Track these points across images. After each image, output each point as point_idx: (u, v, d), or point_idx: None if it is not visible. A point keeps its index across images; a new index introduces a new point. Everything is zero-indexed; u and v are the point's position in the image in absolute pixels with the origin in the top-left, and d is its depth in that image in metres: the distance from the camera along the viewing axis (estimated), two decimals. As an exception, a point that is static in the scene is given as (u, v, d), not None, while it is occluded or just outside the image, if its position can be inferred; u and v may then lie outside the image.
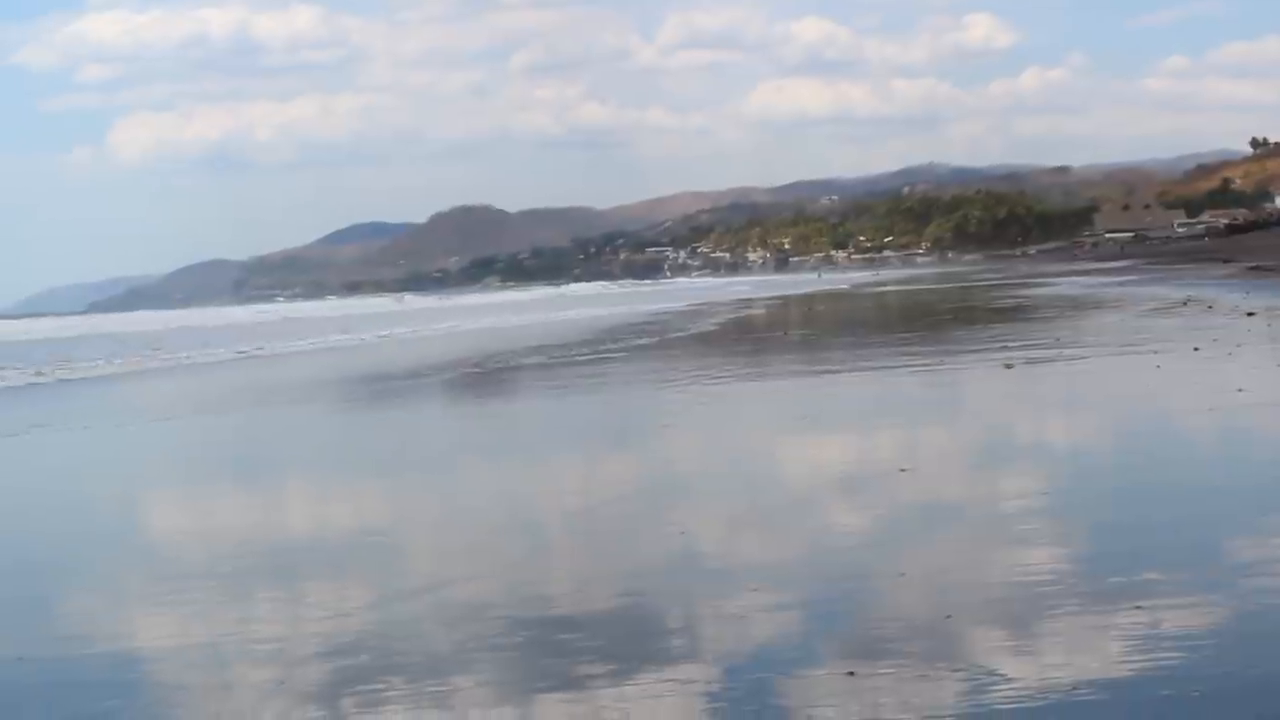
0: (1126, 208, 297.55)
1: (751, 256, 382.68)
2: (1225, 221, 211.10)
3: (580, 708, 7.71)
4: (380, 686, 8.26)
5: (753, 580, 10.36)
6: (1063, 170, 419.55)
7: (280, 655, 9.16)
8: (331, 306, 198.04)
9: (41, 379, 43.48)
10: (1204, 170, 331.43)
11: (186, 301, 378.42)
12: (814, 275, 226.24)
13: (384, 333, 70.42)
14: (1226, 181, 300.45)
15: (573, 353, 43.07)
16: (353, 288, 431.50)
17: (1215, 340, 27.61)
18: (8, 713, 8.49)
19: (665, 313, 78.11)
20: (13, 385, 41.40)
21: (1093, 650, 8.12)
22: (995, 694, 7.39)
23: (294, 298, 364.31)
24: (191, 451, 24.15)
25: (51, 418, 31.17)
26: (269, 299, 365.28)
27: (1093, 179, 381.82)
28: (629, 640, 9.08)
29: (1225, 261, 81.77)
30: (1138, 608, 8.86)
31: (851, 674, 7.85)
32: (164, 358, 53.63)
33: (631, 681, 8.09)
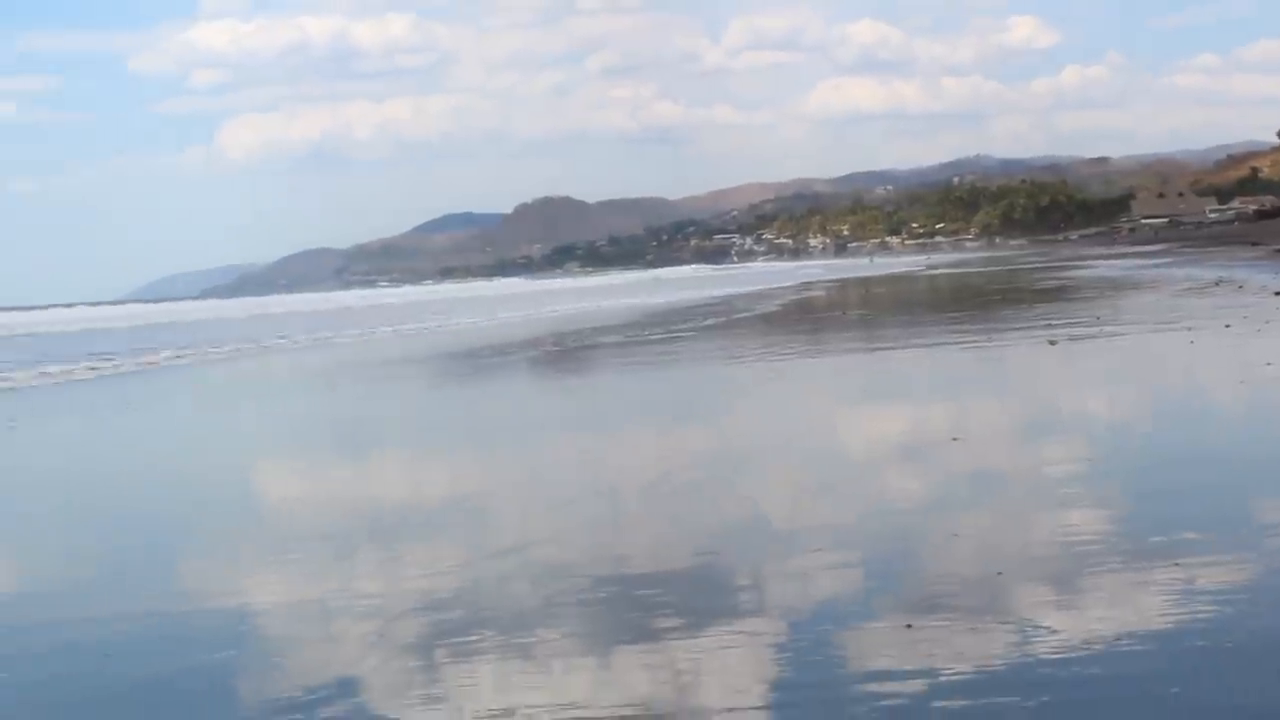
0: (1161, 195, 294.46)
1: (812, 243, 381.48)
2: (1254, 207, 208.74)
3: (655, 658, 7.72)
4: (472, 639, 8.29)
5: (816, 541, 10.36)
6: (1101, 161, 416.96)
7: (380, 610, 9.19)
8: (429, 291, 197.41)
9: (179, 361, 43.48)
10: (1233, 160, 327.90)
11: (291, 287, 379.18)
12: (866, 261, 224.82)
13: (501, 315, 69.96)
14: (1255, 170, 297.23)
15: (662, 330, 43.08)
16: (445, 273, 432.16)
17: (1245, 318, 27.40)
18: (136, 660, 8.55)
19: (756, 293, 77.88)
20: (159, 365, 41.41)
21: (1133, 604, 8.09)
22: (1043, 645, 7.38)
23: (394, 283, 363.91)
24: (306, 424, 24.25)
25: (185, 395, 31.40)
26: (369, 284, 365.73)
27: (1129, 169, 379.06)
28: (701, 596, 9.08)
29: (1254, 245, 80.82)
30: (1175, 565, 8.82)
31: (909, 627, 7.85)
32: (293, 340, 53.50)
33: (704, 634, 8.09)
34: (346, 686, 7.55)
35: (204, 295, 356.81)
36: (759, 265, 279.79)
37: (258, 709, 7.28)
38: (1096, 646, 7.32)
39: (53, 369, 38.73)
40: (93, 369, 39.17)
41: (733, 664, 7.50)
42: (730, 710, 6.76)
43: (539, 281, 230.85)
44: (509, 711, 6.92)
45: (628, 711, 6.86)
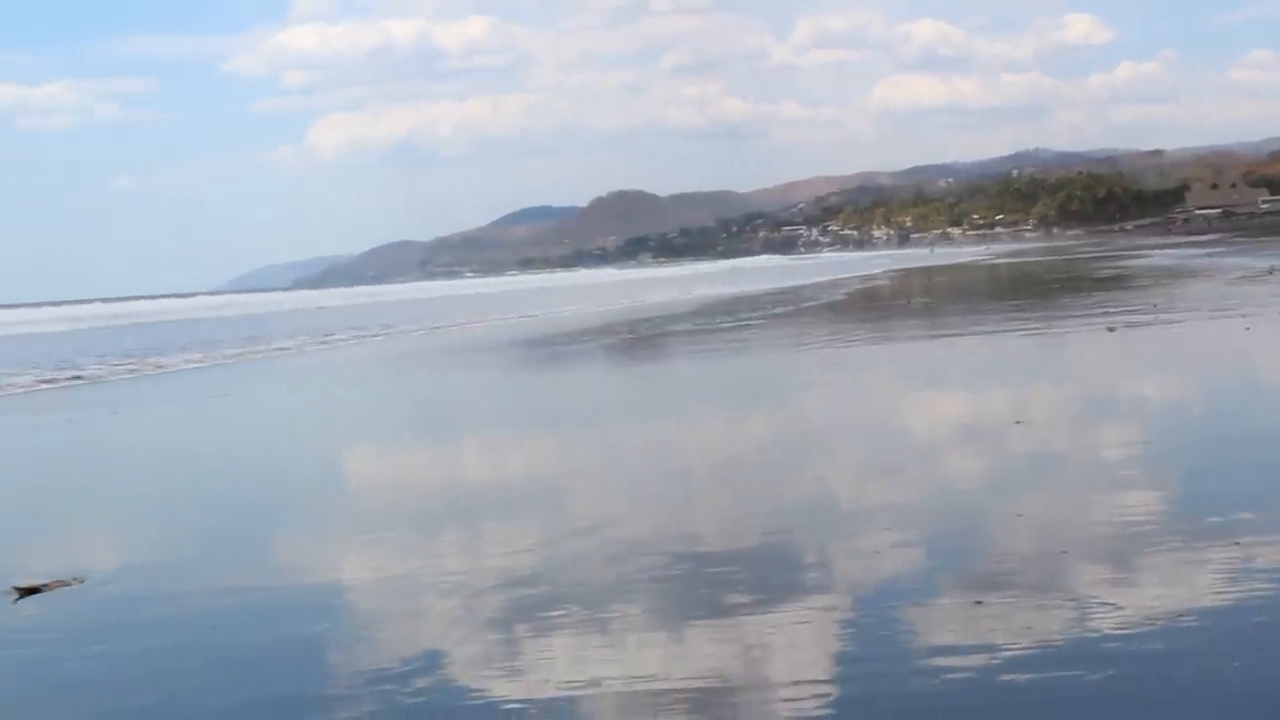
0: (1215, 187, 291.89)
1: (877, 233, 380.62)
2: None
3: (727, 633, 7.68)
4: (552, 614, 8.28)
5: (884, 520, 10.32)
6: (1156, 154, 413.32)
7: (464, 586, 9.20)
8: (511, 281, 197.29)
9: (287, 350, 43.64)
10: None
11: (378, 278, 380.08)
12: (927, 251, 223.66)
13: (580, 304, 69.89)
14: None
15: (732, 318, 43.07)
16: (524, 264, 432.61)
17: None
18: (235, 633, 8.59)
19: (828, 282, 77.73)
20: (275, 352, 41.55)
21: (1193, 582, 8.01)
22: (1107, 620, 7.31)
23: (477, 274, 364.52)
24: (400, 409, 24.34)
25: (293, 381, 31.61)
26: (452, 275, 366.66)
27: (1183, 161, 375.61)
28: (771, 573, 9.04)
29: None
30: (1234, 544, 8.72)
31: (979, 603, 7.80)
32: (399, 328, 53.54)
33: (774, 610, 8.05)
34: (434, 659, 7.56)
35: (294, 286, 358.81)
36: (828, 255, 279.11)
37: (352, 679, 7.29)
38: (1158, 623, 7.25)
39: (169, 358, 38.80)
40: (204, 357, 39.20)
41: (802, 639, 7.47)
42: (798, 683, 6.73)
43: (614, 272, 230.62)
44: (587, 683, 6.91)
45: (700, 683, 6.84)
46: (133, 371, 34.41)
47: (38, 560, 10.76)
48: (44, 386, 30.92)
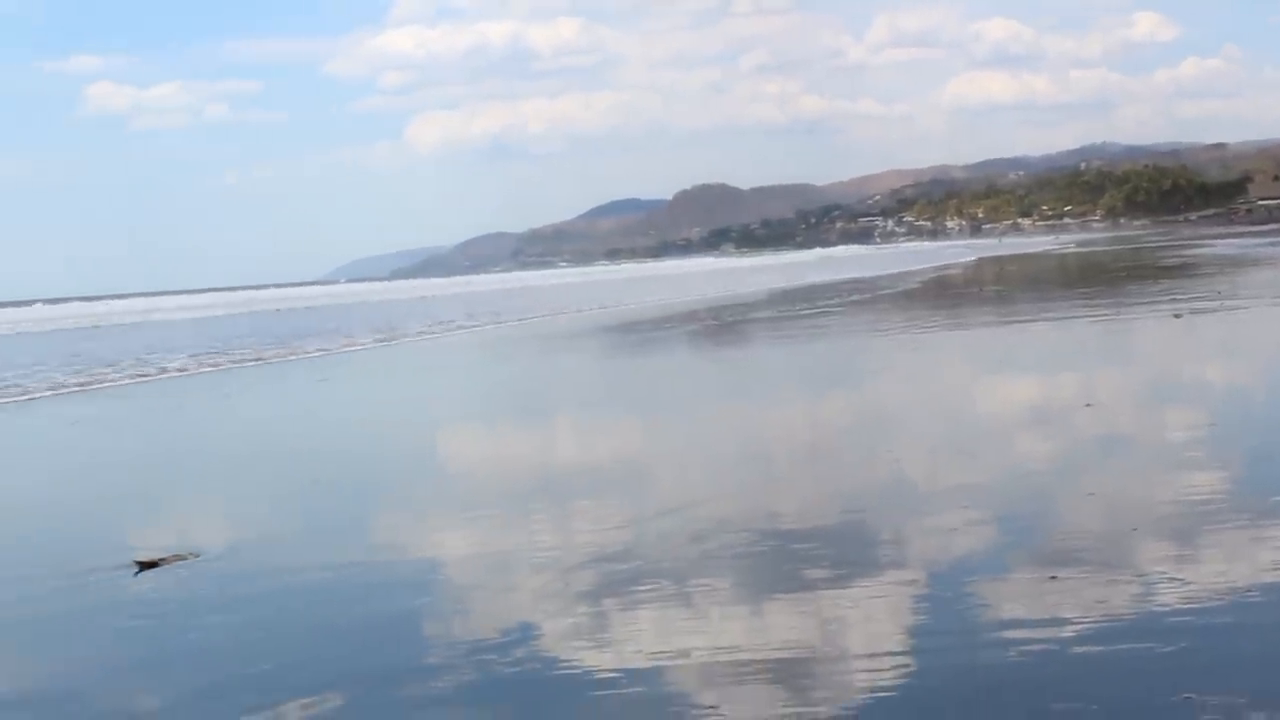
0: (1277, 178, 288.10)
1: (949, 224, 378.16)
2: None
3: (807, 606, 7.65)
4: (642, 588, 8.27)
5: (961, 499, 10.25)
6: (1219, 147, 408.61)
7: (558, 562, 9.20)
8: (602, 271, 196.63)
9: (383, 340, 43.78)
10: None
11: (473, 268, 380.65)
12: (995, 241, 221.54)
13: (667, 292, 69.65)
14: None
15: (810, 306, 42.96)
16: (612, 254, 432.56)
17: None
18: (340, 605, 8.63)
19: (909, 272, 77.44)
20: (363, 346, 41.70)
21: (1258, 559, 7.91)
22: (1175, 595, 7.23)
23: (571, 264, 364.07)
24: (500, 393, 24.40)
25: (413, 368, 31.70)
26: (545, 265, 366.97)
27: (1246, 153, 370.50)
28: (851, 550, 9.00)
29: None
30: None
31: (1053, 578, 7.72)
32: (506, 317, 53.50)
33: (854, 585, 8.01)
34: (530, 630, 7.57)
35: (393, 276, 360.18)
36: (906, 245, 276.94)
37: (452, 650, 7.31)
38: (1226, 598, 7.16)
39: (298, 346, 38.90)
40: (346, 342, 39.30)
41: (880, 612, 7.42)
42: (875, 655, 6.68)
43: (710, 260, 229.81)
44: (674, 653, 6.89)
45: (782, 654, 6.82)
46: (279, 357, 34.61)
47: (157, 536, 10.85)
48: (201, 370, 31.01)
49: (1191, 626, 6.72)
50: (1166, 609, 7.03)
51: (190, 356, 35.38)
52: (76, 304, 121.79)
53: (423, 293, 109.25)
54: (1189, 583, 7.46)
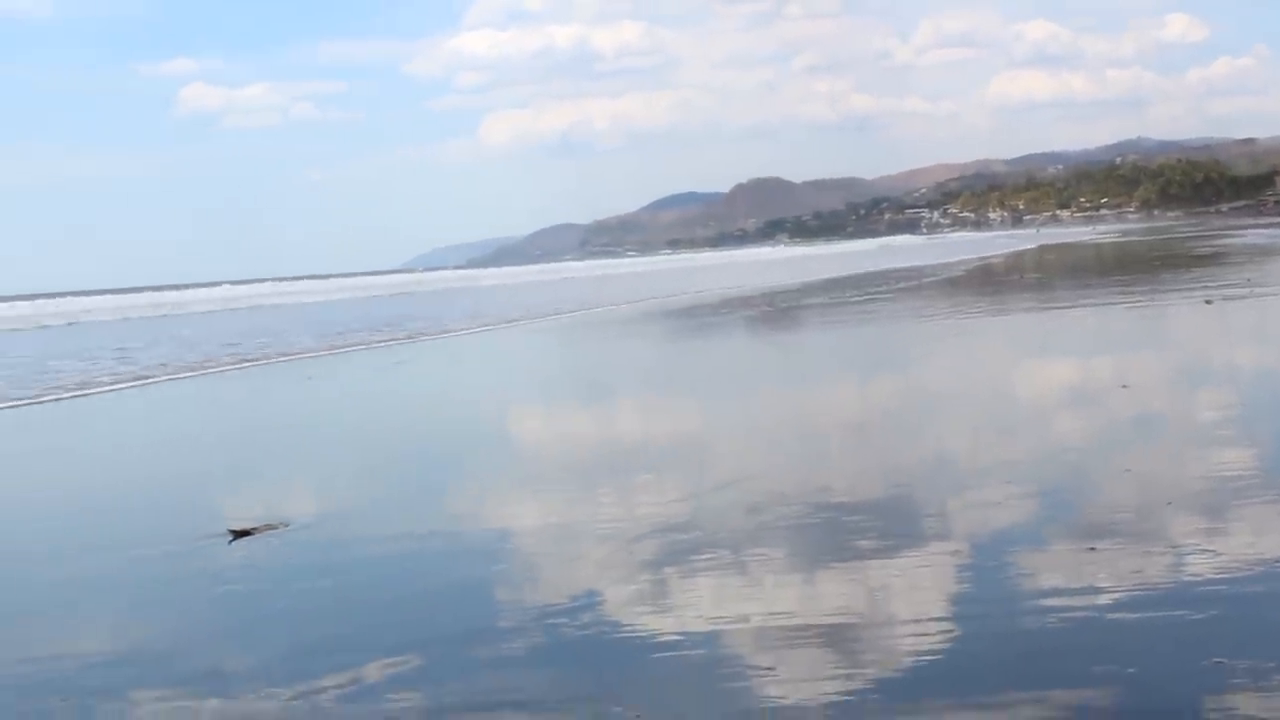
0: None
1: (992, 216, 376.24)
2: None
3: (856, 575, 7.61)
4: (701, 557, 8.26)
5: (1004, 474, 10.20)
6: (1249, 142, 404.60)
7: (621, 532, 9.20)
8: (665, 260, 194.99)
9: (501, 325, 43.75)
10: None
11: (542, 257, 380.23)
12: (1033, 231, 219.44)
13: (726, 280, 69.39)
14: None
15: (860, 293, 42.86)
16: (672, 244, 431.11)
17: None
18: (419, 573, 8.67)
19: (966, 260, 77.05)
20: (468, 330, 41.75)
21: (1289, 532, 7.84)
22: (1208, 565, 7.17)
23: (638, 253, 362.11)
24: (571, 374, 24.46)
25: (506, 352, 31.77)
26: (611, 254, 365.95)
27: (1275, 148, 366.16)
28: (899, 522, 8.96)
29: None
30: (1327, 498, 8.56)
31: (1092, 549, 7.66)
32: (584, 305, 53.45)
33: (902, 555, 7.97)
34: (595, 596, 7.57)
35: (468, 265, 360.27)
36: (954, 235, 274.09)
37: (523, 613, 7.32)
38: (1255, 569, 7.09)
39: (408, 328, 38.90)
40: (445, 329, 39.29)
41: (926, 581, 7.39)
42: (921, 620, 6.65)
43: (784, 249, 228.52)
44: (732, 619, 6.88)
45: (833, 620, 6.80)
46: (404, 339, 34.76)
47: (249, 507, 10.90)
48: (327, 353, 31.11)
49: (1223, 596, 6.66)
50: (1199, 579, 6.97)
51: (317, 338, 35.82)
52: (170, 292, 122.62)
53: (511, 280, 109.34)
54: (1220, 554, 7.39)
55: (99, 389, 23.44)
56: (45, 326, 62.92)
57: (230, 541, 9.71)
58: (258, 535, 9.82)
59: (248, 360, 28.97)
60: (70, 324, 64.69)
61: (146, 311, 74.97)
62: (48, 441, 18.01)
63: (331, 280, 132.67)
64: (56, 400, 21.99)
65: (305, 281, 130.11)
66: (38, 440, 18.28)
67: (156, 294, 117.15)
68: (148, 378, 25.40)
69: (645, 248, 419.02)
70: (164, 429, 18.59)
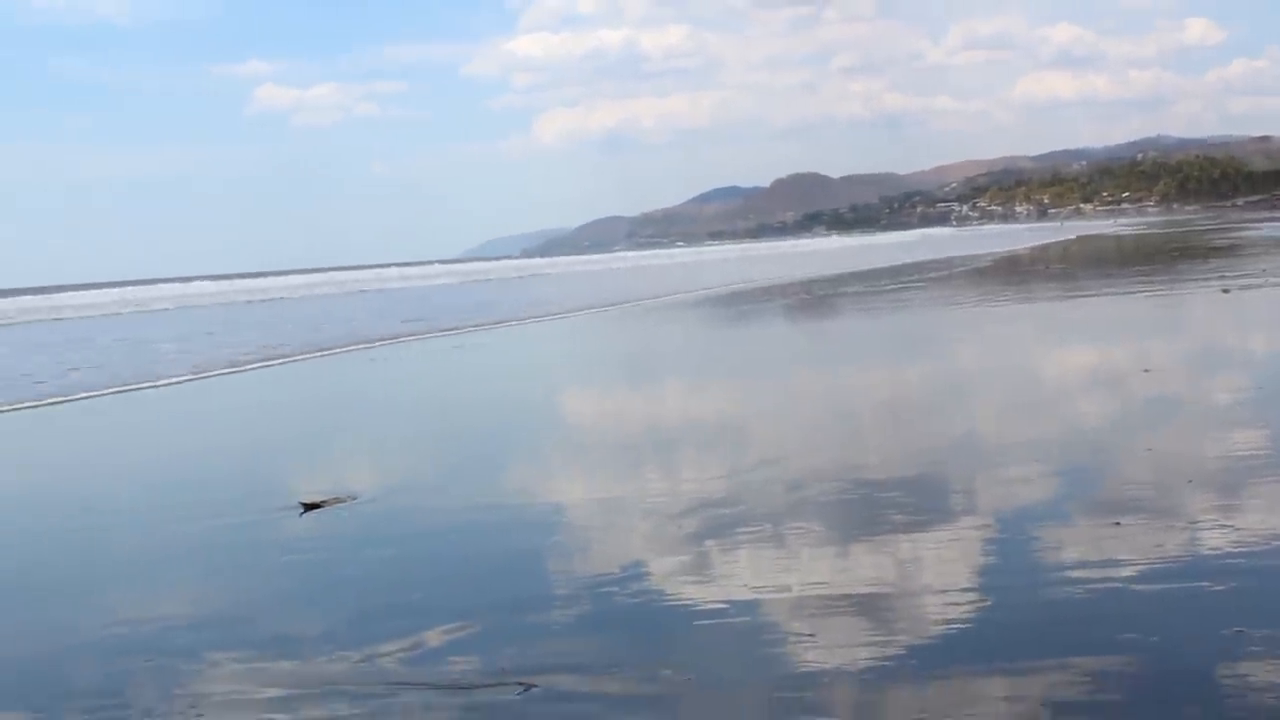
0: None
1: (1018, 209, 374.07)
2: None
3: (889, 548, 7.57)
4: (740, 531, 8.24)
5: (1032, 453, 10.14)
6: (1264, 139, 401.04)
7: (667, 507, 9.17)
8: (710, 250, 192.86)
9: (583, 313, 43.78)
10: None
11: (592, 248, 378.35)
12: (1057, 224, 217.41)
13: (769, 270, 69.24)
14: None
15: (894, 282, 42.70)
16: (715, 236, 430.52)
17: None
18: (478, 543, 8.67)
19: (995, 251, 76.69)
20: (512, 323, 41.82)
21: (1304, 509, 7.75)
22: (1226, 539, 7.11)
23: (683, 244, 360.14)
24: (620, 358, 24.47)
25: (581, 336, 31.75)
26: (657, 245, 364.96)
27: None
28: (931, 498, 8.90)
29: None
30: (1340, 476, 8.47)
31: (1118, 524, 7.58)
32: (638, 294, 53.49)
33: (933, 529, 7.91)
34: (643, 566, 7.56)
35: (522, 255, 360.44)
36: (987, 228, 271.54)
37: (576, 582, 7.31)
38: (1272, 543, 7.04)
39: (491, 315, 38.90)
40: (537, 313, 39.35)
41: (956, 554, 7.33)
42: (950, 590, 6.60)
43: (795, 242, 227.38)
44: (772, 588, 6.86)
45: (868, 590, 6.76)
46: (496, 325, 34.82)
47: (319, 481, 10.92)
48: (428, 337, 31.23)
49: (1241, 568, 6.60)
50: (1218, 552, 6.90)
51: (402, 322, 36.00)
52: (240, 280, 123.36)
53: (573, 268, 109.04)
54: (1239, 529, 7.33)
55: (205, 374, 23.54)
56: (148, 310, 63.37)
57: (301, 514, 9.74)
58: (327, 508, 9.85)
59: (325, 348, 29.08)
60: (170, 309, 64.97)
61: (234, 298, 75.49)
62: (149, 419, 18.13)
63: (396, 269, 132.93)
64: (156, 386, 22.10)
65: (372, 270, 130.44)
66: (141, 418, 18.39)
67: (241, 281, 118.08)
68: (244, 364, 25.51)
69: (690, 239, 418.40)
70: (246, 410, 18.67)
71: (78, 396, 20.08)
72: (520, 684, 5.67)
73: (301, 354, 26.84)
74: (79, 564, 9.07)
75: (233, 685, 6.02)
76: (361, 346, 28.11)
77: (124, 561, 9.12)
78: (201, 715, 5.66)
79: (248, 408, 18.72)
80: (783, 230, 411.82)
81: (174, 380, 22.05)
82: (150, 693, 6.01)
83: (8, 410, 18.56)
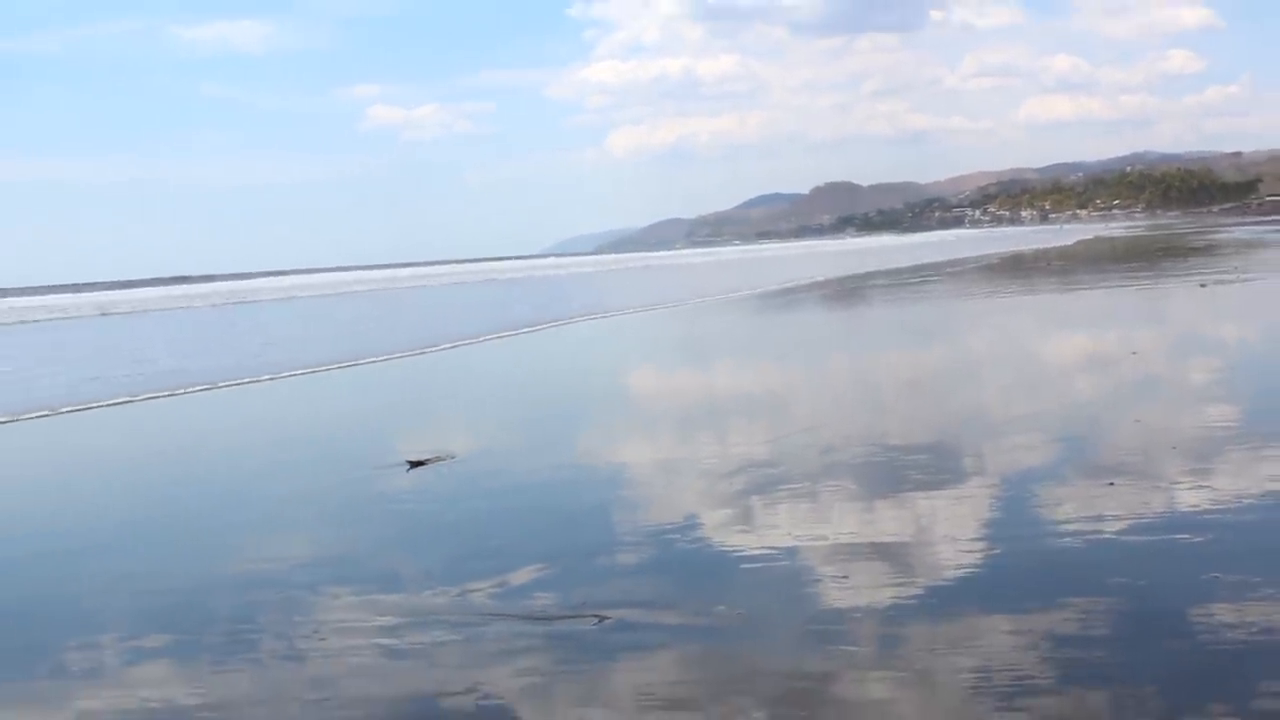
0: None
1: (1024, 214, 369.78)
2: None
3: (912, 503, 7.50)
4: (781, 488, 8.20)
5: (1034, 423, 10.07)
6: (1236, 154, 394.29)
7: (717, 468, 9.15)
8: (760, 249, 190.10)
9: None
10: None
11: (656, 246, 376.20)
12: (1056, 228, 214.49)
13: (810, 266, 68.78)
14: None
15: (917, 276, 42.44)
16: (761, 235, 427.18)
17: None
18: (560, 497, 8.68)
19: (1007, 250, 76.06)
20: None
21: (1266, 472, 7.62)
22: (1204, 497, 7.03)
23: (740, 242, 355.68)
24: (680, 343, 24.43)
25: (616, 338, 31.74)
26: (712, 244, 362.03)
27: (1258, 160, 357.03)
28: (947, 461, 8.85)
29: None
30: (1304, 444, 8.35)
31: (1111, 484, 7.50)
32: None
33: (950, 487, 7.87)
34: (699, 518, 7.54)
35: (596, 251, 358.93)
36: (998, 230, 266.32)
37: (641, 530, 7.31)
38: (1244, 501, 6.95)
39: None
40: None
41: (967, 510, 7.27)
42: (960, 539, 6.55)
43: (830, 242, 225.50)
44: (808, 537, 6.82)
45: (892, 539, 6.72)
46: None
47: (423, 441, 10.96)
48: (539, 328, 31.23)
49: (1215, 523, 6.52)
50: (1196, 509, 6.83)
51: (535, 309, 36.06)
52: (357, 272, 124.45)
53: (651, 263, 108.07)
54: (1214, 489, 7.24)
55: (340, 364, 23.68)
56: (293, 297, 63.90)
57: (408, 470, 9.77)
58: (429, 465, 9.87)
59: (475, 335, 29.19)
60: (316, 295, 65.36)
61: (357, 288, 76.00)
62: (291, 397, 18.28)
63: (496, 263, 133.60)
64: (305, 373, 22.25)
65: (479, 263, 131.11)
66: (290, 396, 18.55)
67: (363, 272, 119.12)
68: (397, 352, 25.64)
69: (743, 238, 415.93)
70: (370, 386, 18.74)
71: (284, 374, 20.23)
72: (595, 616, 5.68)
73: (450, 343, 26.96)
74: (222, 515, 9.16)
75: (349, 614, 6.06)
76: (491, 337, 28.21)
77: (256, 511, 9.19)
78: (324, 639, 5.70)
79: (374, 385, 18.75)
80: (820, 231, 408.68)
81: (364, 361, 22.20)
82: (280, 619, 6.06)
83: (231, 385, 18.61)
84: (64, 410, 15.55)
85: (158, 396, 16.85)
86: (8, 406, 16.24)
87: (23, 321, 52.93)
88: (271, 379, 18.52)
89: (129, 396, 16.77)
